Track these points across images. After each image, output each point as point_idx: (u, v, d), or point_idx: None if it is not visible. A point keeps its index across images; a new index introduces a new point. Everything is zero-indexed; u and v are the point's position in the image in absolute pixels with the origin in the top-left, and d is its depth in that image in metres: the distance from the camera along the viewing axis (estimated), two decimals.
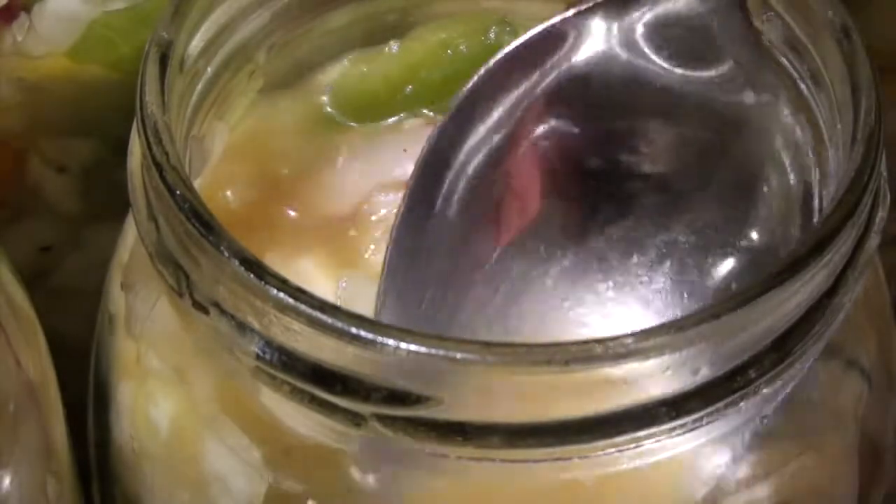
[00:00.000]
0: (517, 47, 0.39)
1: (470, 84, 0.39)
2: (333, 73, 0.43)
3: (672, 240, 0.38)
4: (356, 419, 0.32)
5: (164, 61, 0.36)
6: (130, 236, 0.39)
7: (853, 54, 0.36)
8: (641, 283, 0.38)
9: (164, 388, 0.38)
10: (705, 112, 0.39)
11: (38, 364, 0.38)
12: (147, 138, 0.35)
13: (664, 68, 0.39)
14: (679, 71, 0.39)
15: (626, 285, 0.38)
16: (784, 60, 0.39)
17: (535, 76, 0.40)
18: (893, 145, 0.37)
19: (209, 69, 0.39)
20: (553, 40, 0.39)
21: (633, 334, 0.31)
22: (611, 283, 0.38)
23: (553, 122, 0.39)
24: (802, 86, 0.38)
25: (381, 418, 0.32)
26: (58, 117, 0.47)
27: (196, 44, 0.38)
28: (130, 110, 0.36)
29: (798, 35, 0.38)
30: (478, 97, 0.39)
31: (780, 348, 0.33)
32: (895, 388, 0.40)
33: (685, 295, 0.37)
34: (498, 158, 0.39)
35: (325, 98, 0.42)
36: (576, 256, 0.38)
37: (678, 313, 0.36)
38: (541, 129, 0.40)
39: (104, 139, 0.47)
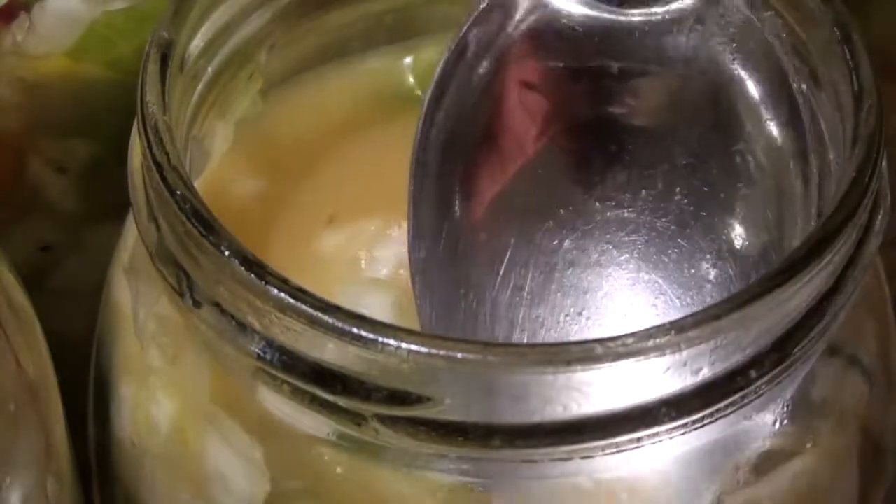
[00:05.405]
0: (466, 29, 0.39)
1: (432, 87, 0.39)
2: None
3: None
4: (357, 419, 0.32)
5: (164, 61, 0.36)
6: (131, 236, 0.39)
7: (853, 54, 0.36)
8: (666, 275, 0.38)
9: (165, 387, 0.38)
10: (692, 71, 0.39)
11: (38, 364, 0.38)
12: (147, 138, 0.35)
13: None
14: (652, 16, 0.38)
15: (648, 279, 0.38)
16: (783, 59, 0.39)
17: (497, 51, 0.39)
18: (894, 145, 0.36)
19: (209, 69, 0.39)
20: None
21: (633, 334, 0.31)
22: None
23: (535, 94, 0.39)
24: (802, 85, 0.38)
25: (382, 418, 0.32)
26: (58, 117, 0.47)
27: (196, 44, 0.38)
28: (130, 110, 0.36)
29: (798, 33, 0.38)
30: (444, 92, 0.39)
31: (781, 349, 0.33)
32: (895, 388, 0.40)
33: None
34: (489, 147, 0.39)
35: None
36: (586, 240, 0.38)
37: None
38: (526, 109, 0.39)
39: (104, 139, 0.47)
